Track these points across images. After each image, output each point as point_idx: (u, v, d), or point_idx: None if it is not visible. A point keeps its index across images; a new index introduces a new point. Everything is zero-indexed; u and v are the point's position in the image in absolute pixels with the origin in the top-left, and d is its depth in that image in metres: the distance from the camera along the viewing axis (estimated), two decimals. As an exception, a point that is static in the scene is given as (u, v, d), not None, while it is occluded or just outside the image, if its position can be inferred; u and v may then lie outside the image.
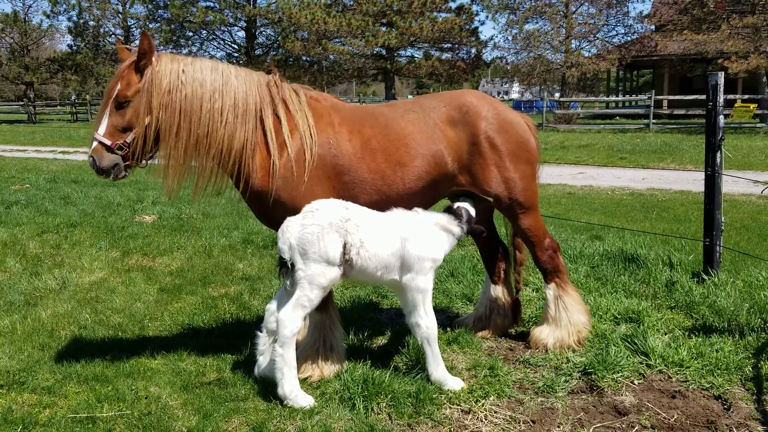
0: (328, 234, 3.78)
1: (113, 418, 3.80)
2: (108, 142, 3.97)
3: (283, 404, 3.84)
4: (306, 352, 4.24)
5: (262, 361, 4.15)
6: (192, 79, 4.06)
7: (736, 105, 28.58)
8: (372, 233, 3.90)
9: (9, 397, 4.08)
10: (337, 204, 3.93)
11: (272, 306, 4.07)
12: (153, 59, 4.02)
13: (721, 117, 5.93)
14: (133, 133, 4.00)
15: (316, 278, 3.81)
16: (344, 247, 3.83)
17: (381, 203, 4.22)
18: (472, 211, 4.30)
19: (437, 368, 4.06)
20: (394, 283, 4.06)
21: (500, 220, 5.18)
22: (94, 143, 4.00)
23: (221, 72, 4.17)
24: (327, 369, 4.24)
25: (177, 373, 4.39)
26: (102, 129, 3.99)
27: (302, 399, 3.85)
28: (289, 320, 3.81)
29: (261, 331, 4.15)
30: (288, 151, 4.13)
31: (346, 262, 3.86)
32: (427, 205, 4.40)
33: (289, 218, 3.92)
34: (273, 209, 4.23)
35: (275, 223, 4.24)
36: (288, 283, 3.88)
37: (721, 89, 5.91)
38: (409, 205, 4.20)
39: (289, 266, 3.84)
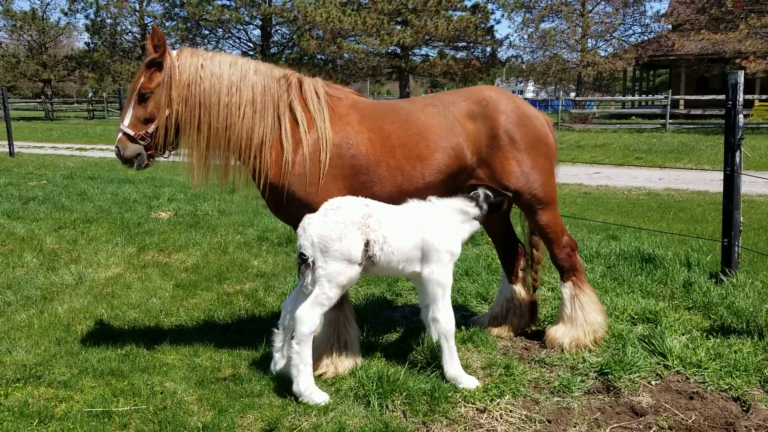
0: (351, 232, 3.77)
1: (129, 412, 3.82)
2: (131, 133, 4.14)
3: (298, 401, 3.84)
4: (320, 349, 4.23)
5: (279, 358, 4.15)
6: (210, 73, 4.13)
7: (756, 104, 28.29)
8: (394, 228, 3.91)
9: (25, 391, 4.11)
10: (357, 201, 3.93)
11: (288, 303, 4.07)
12: (168, 52, 4.12)
13: (741, 116, 5.86)
14: (154, 124, 4.13)
15: (335, 276, 3.80)
16: (367, 244, 3.82)
17: (399, 198, 4.21)
18: (489, 192, 4.29)
19: (453, 365, 4.05)
20: (415, 275, 4.07)
21: (516, 219, 5.16)
22: (120, 134, 4.17)
23: (240, 67, 4.21)
24: (341, 366, 4.23)
25: (192, 368, 4.41)
26: (126, 120, 4.16)
27: (317, 396, 3.85)
28: (307, 318, 3.81)
29: (277, 329, 4.16)
30: (303, 148, 4.13)
31: (369, 259, 3.86)
32: None
33: (309, 215, 3.91)
34: (288, 206, 4.24)
35: (291, 220, 4.25)
36: (308, 281, 3.85)
37: (741, 88, 5.85)
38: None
39: (310, 263, 3.82)
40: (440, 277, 4.01)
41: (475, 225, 4.25)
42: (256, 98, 4.16)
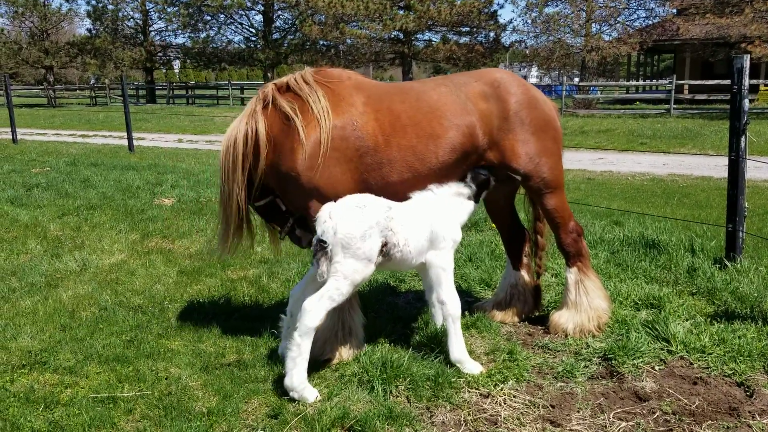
0: (375, 233, 3.76)
1: (134, 398, 3.84)
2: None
3: (289, 395, 3.77)
4: (325, 335, 4.24)
5: (287, 344, 4.11)
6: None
7: (762, 89, 28.10)
8: (413, 228, 3.92)
9: (31, 377, 4.13)
10: (380, 201, 3.90)
11: (296, 291, 4.06)
12: None
13: (746, 101, 5.83)
14: None
15: (352, 274, 3.75)
16: (385, 245, 3.82)
17: (412, 180, 4.20)
18: (477, 171, 4.35)
19: (458, 348, 4.06)
20: (422, 265, 4.09)
21: (519, 205, 5.15)
22: None
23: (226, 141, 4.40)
24: (346, 352, 4.24)
25: (197, 354, 4.42)
26: None
27: (309, 393, 3.77)
28: (314, 310, 3.73)
29: (285, 315, 4.15)
30: (300, 133, 4.11)
31: (385, 257, 3.86)
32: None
33: (331, 204, 3.83)
34: (292, 191, 4.24)
35: (297, 207, 4.26)
36: (323, 269, 3.75)
37: (747, 73, 5.80)
38: (441, 182, 4.22)
39: (328, 252, 3.74)
40: (442, 262, 4.04)
41: (471, 205, 4.30)
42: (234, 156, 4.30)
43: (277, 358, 4.22)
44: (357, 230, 3.72)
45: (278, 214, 4.58)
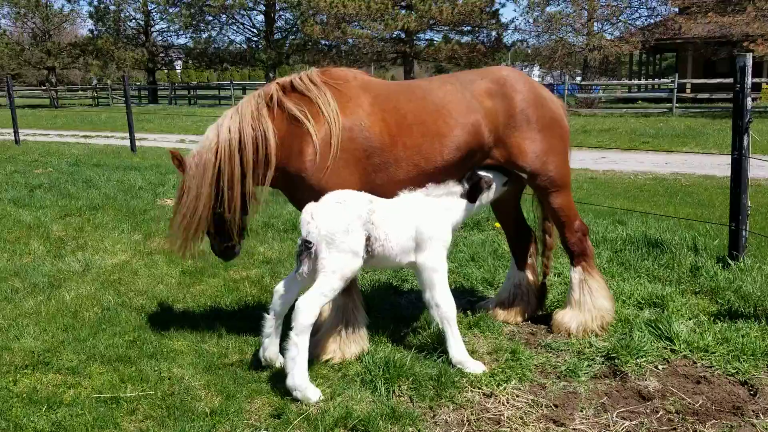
0: (357, 226, 3.78)
1: (137, 398, 3.84)
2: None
3: (291, 395, 3.75)
4: (328, 334, 4.24)
5: (268, 344, 4.08)
6: (201, 146, 4.25)
7: (764, 88, 28.04)
8: (394, 224, 3.93)
9: (34, 377, 4.13)
10: (361, 196, 3.92)
11: (280, 288, 4.04)
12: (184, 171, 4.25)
13: (749, 99, 5.81)
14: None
15: (341, 269, 3.77)
16: (368, 239, 3.83)
17: (418, 179, 4.20)
18: (478, 170, 4.33)
19: (458, 349, 4.06)
20: (411, 265, 4.09)
21: (525, 206, 5.14)
22: None
23: (221, 120, 4.28)
24: (348, 351, 4.24)
25: (199, 354, 4.42)
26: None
27: (312, 392, 3.75)
28: (308, 308, 3.73)
29: (268, 314, 4.09)
30: (312, 136, 4.11)
31: (368, 253, 3.87)
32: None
33: (312, 204, 3.86)
34: (303, 194, 4.23)
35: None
36: (305, 269, 3.80)
37: (749, 71, 5.79)
38: (446, 179, 4.21)
39: (312, 251, 3.78)
40: (434, 264, 4.03)
41: (464, 205, 4.26)
42: (232, 134, 4.19)
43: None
44: (339, 225, 3.74)
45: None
